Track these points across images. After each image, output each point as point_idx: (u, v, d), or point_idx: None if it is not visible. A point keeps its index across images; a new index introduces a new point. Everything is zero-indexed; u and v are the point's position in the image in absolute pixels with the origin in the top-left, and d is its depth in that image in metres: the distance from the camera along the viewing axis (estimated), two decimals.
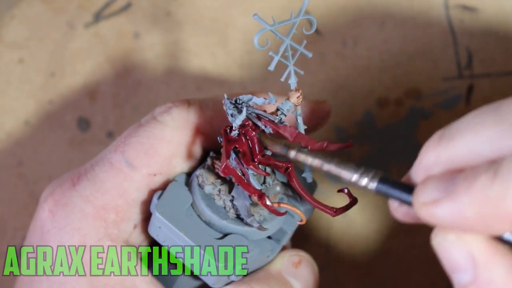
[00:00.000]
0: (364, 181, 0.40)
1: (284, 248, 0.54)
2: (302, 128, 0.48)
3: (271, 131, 0.46)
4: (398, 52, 0.70)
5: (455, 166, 0.38)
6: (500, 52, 0.66)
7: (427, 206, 0.37)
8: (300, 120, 0.48)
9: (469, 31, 0.70)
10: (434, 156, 0.38)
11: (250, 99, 0.45)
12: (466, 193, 0.36)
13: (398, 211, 0.41)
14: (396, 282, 0.67)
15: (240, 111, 0.45)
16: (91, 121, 0.70)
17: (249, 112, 0.46)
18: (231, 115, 0.45)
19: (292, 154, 0.43)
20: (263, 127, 0.45)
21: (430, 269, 0.66)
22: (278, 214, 0.48)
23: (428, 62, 0.70)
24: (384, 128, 0.69)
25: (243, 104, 0.45)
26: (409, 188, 0.39)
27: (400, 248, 0.66)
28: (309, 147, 0.47)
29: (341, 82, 0.70)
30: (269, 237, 0.52)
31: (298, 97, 0.46)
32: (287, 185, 0.50)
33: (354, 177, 0.40)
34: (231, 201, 0.49)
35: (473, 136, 0.37)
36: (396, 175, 0.68)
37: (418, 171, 0.39)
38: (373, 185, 0.39)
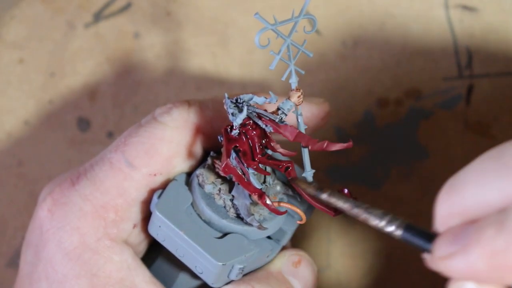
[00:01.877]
0: (391, 228, 0.42)
1: (284, 248, 0.54)
2: (302, 127, 0.48)
3: (272, 130, 0.46)
4: (398, 52, 0.70)
5: (469, 216, 0.38)
6: (500, 52, 0.66)
7: (443, 260, 0.38)
8: (300, 119, 0.48)
9: (469, 31, 0.70)
10: (448, 207, 0.39)
11: (251, 98, 0.45)
12: (476, 246, 0.37)
13: (425, 258, 0.42)
14: (396, 283, 0.67)
15: (240, 110, 0.45)
16: (91, 121, 0.70)
17: (250, 111, 0.46)
18: (232, 114, 0.45)
19: (324, 196, 0.46)
20: (263, 126, 0.45)
21: (430, 269, 0.66)
22: (278, 213, 0.48)
23: (428, 62, 0.70)
24: (384, 128, 0.69)
25: (244, 103, 0.45)
26: (432, 237, 0.40)
27: (400, 249, 0.66)
28: (310, 147, 0.47)
29: (341, 82, 0.70)
30: (269, 237, 0.52)
31: (299, 97, 0.46)
32: (287, 184, 0.50)
33: (381, 223, 0.42)
34: (231, 200, 0.49)
35: (480, 186, 0.38)
36: (396, 175, 0.68)
37: (437, 223, 0.40)
38: (399, 232, 0.42)
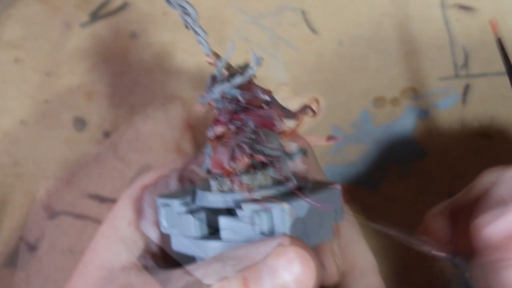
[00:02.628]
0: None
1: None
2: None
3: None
4: (394, 52, 0.70)
5: None
6: (496, 52, 0.65)
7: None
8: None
9: (466, 31, 0.70)
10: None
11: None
12: None
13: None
14: (396, 283, 0.67)
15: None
16: (87, 121, 0.70)
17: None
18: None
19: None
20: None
21: (428, 269, 0.66)
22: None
23: (425, 62, 0.70)
24: (381, 127, 0.69)
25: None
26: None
27: (399, 248, 0.66)
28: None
29: (338, 82, 0.70)
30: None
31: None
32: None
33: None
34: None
35: None
36: (393, 175, 0.68)
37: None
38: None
